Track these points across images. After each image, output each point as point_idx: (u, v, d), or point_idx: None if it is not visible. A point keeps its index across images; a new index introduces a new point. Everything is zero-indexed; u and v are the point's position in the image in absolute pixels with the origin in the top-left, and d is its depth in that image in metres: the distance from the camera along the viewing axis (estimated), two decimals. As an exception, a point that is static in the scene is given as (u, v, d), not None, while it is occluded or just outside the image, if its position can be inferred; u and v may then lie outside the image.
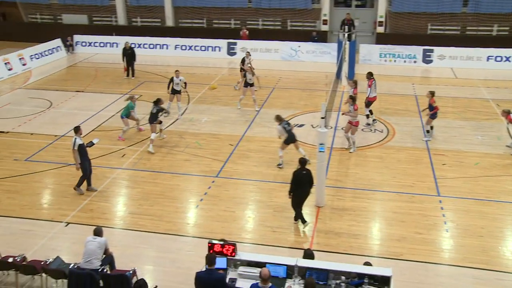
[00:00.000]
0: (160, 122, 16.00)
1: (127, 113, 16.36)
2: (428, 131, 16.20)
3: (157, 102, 15.80)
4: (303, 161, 11.32)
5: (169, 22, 30.39)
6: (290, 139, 14.25)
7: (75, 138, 12.63)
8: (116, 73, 24.51)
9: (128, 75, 23.77)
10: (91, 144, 13.26)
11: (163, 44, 28.66)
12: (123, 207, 12.68)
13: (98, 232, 9.32)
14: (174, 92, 18.14)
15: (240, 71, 21.53)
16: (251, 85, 18.90)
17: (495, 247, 10.80)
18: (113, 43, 29.18)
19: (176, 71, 18.51)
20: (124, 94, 20.65)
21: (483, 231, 11.32)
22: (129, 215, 12.24)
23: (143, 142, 16.17)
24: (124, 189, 13.53)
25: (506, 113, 15.65)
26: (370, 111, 17.50)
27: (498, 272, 10.00)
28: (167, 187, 13.49)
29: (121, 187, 13.63)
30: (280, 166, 14.40)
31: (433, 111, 15.81)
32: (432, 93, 15.87)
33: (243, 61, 21.41)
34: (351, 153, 15.28)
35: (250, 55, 21.54)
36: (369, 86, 17.27)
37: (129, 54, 23.66)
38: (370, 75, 17.36)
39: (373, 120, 17.65)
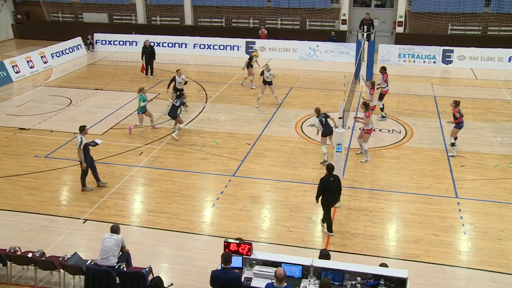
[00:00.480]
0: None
1: (143, 108, 16.54)
2: (452, 144, 15.03)
3: (180, 95, 16.81)
4: (331, 168, 11.04)
5: (188, 21, 30.55)
6: (326, 131, 14.39)
7: (81, 137, 12.70)
8: (135, 71, 24.70)
9: (146, 74, 23.95)
10: (94, 143, 13.38)
11: (182, 43, 28.81)
12: (140, 205, 12.79)
13: (115, 229, 9.42)
14: (177, 91, 18.26)
15: (247, 67, 21.60)
16: (269, 83, 18.93)
17: (514, 251, 10.67)
18: (133, 41, 29.46)
19: (178, 70, 18.76)
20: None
21: (502, 234, 11.17)
22: (145, 213, 12.34)
23: (161, 141, 16.28)
24: (141, 187, 13.64)
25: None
26: (382, 108, 17.78)
27: (517, 276, 9.87)
28: (184, 186, 13.56)
29: (138, 185, 13.74)
30: (325, 163, 13.97)
31: (456, 121, 14.81)
32: (456, 103, 14.78)
33: (250, 58, 21.56)
34: (366, 162, 14.69)
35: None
36: (385, 80, 17.51)
37: (148, 52, 23.82)
38: (384, 69, 17.68)
39: (383, 116, 17.90)
